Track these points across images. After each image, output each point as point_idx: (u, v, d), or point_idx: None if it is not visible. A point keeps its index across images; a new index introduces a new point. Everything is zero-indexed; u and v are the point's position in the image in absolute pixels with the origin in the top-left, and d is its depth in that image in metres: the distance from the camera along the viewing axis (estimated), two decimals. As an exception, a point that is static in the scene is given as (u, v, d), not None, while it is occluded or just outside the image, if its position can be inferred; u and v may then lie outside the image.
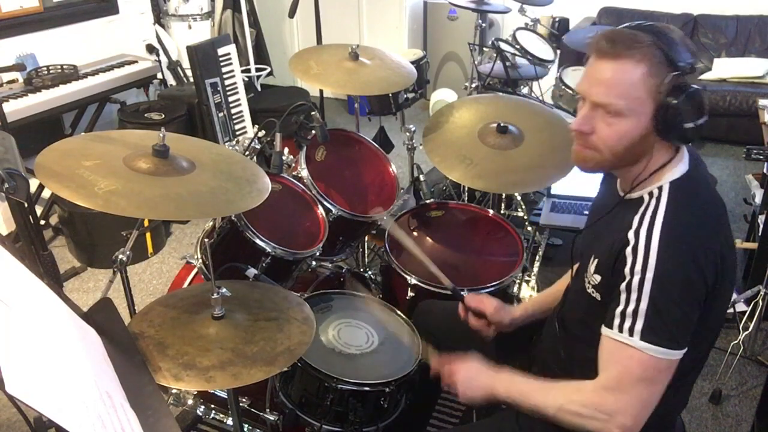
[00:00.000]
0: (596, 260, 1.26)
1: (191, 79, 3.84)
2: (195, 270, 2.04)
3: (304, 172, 2.07)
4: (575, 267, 1.41)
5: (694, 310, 1.15)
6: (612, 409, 1.16)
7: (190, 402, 1.91)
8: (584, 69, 1.23)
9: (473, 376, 1.37)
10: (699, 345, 1.24)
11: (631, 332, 1.14)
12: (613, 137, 1.19)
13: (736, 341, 2.41)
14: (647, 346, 1.13)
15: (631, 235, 1.17)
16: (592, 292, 1.27)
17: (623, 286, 1.16)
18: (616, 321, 1.16)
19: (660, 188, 1.21)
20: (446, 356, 1.45)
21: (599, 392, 1.18)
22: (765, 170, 3.09)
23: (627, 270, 1.15)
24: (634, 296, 1.14)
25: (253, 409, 1.82)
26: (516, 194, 3.08)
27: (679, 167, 1.22)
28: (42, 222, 3.27)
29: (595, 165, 1.26)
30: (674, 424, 1.41)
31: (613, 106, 1.16)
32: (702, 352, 1.30)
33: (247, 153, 1.99)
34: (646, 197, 1.22)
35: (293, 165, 2.11)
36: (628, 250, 1.16)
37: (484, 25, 4.12)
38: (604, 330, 1.20)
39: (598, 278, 1.25)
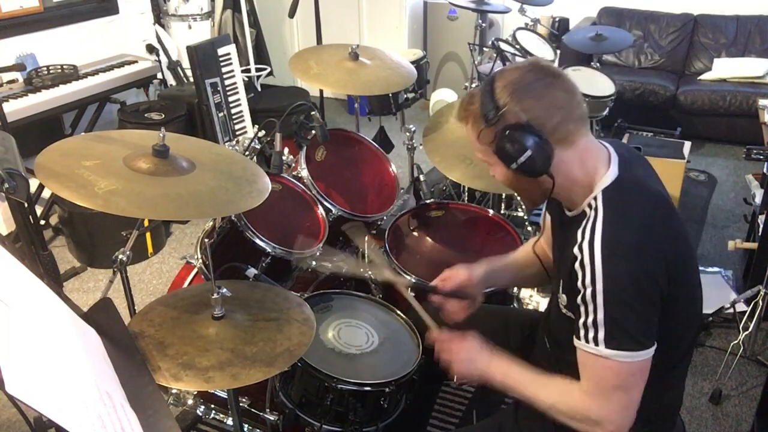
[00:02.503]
0: (562, 281, 1.29)
1: (191, 79, 3.84)
2: (195, 270, 2.04)
3: (304, 172, 2.07)
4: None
5: (651, 309, 1.17)
6: (598, 416, 1.19)
7: (190, 402, 1.91)
8: None
9: (471, 357, 1.38)
10: (679, 340, 1.26)
11: (596, 342, 1.17)
12: (499, 179, 1.31)
13: (736, 341, 2.40)
14: (613, 353, 1.16)
15: (576, 250, 1.19)
16: (566, 312, 1.29)
17: (579, 299, 1.19)
18: (582, 332, 1.19)
19: (595, 198, 1.23)
20: (446, 332, 1.46)
21: (585, 398, 1.21)
22: (765, 170, 3.09)
23: (579, 284, 1.18)
24: (590, 308, 1.16)
25: (253, 409, 1.82)
26: (516, 194, 3.08)
27: (609, 174, 1.24)
28: (42, 222, 3.27)
29: (524, 202, 1.41)
30: (674, 421, 1.41)
31: (481, 159, 1.30)
32: (684, 346, 1.31)
33: (247, 153, 1.99)
34: (587, 210, 1.24)
35: (293, 165, 2.11)
36: (577, 265, 1.19)
37: (484, 25, 4.12)
38: (575, 341, 1.22)
39: (565, 298, 1.28)
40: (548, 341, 1.46)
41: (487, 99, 1.21)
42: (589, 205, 1.24)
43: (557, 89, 1.20)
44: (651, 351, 1.17)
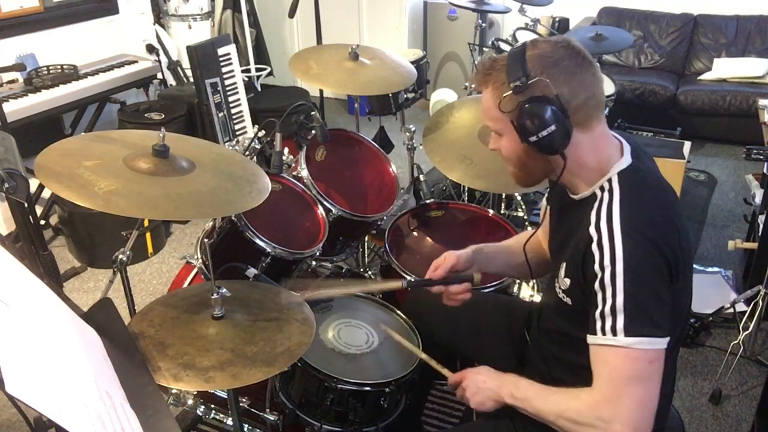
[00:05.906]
0: (564, 264, 1.27)
1: (191, 79, 3.84)
2: (195, 270, 2.04)
3: (304, 172, 2.07)
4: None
5: (667, 293, 1.16)
6: (609, 415, 1.13)
7: (190, 402, 1.91)
8: None
9: (481, 384, 1.36)
10: (672, 330, 1.24)
11: (614, 331, 1.13)
12: (504, 152, 1.29)
13: (736, 341, 2.40)
14: (633, 341, 1.12)
15: (592, 230, 1.18)
16: (563, 296, 1.28)
17: (597, 284, 1.16)
18: (598, 324, 1.15)
19: (609, 180, 1.23)
20: (458, 373, 1.44)
21: (595, 400, 1.16)
22: (765, 170, 3.08)
23: (597, 267, 1.16)
24: (609, 292, 1.14)
25: (253, 409, 1.82)
26: (516, 194, 3.08)
27: (623, 161, 1.24)
28: (42, 222, 3.27)
29: (520, 180, 1.34)
30: (665, 416, 1.40)
31: (491, 128, 1.29)
32: (675, 337, 1.28)
33: (247, 153, 1.99)
34: (598, 192, 1.23)
35: (293, 165, 2.11)
36: (594, 246, 1.17)
37: (484, 25, 4.13)
38: (588, 339, 1.19)
39: (567, 282, 1.26)
40: (530, 336, 1.46)
41: (516, 66, 1.18)
42: (602, 188, 1.23)
43: (586, 71, 1.20)
44: (666, 341, 1.14)
